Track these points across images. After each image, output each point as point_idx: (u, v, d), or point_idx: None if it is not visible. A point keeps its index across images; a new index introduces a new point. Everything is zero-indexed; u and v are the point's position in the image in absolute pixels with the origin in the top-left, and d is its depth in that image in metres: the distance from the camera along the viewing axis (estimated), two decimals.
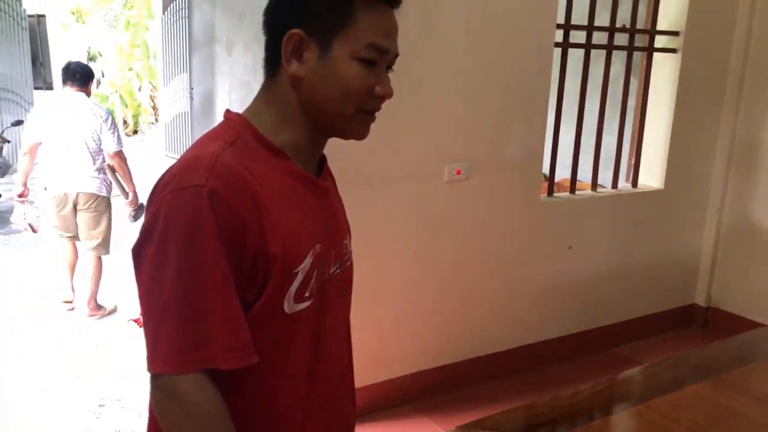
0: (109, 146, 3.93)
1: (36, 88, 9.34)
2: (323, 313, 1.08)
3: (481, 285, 3.18)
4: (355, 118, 1.03)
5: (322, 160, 1.14)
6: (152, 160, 10.27)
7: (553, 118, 3.29)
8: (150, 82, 13.07)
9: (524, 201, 3.22)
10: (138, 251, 0.94)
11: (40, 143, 3.93)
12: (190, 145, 1.06)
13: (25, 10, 9.08)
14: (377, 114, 1.06)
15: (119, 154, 4.00)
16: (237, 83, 8.71)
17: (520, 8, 2.97)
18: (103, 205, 4.00)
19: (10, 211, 6.79)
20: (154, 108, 12.87)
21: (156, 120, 12.57)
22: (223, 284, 0.91)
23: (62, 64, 4.07)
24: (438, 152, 2.91)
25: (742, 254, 3.85)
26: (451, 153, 2.95)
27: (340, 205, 1.20)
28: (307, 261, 1.01)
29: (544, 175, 4.71)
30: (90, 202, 3.94)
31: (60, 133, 3.84)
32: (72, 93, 3.89)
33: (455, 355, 3.19)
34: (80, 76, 3.90)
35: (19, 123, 7.40)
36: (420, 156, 2.87)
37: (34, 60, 9.26)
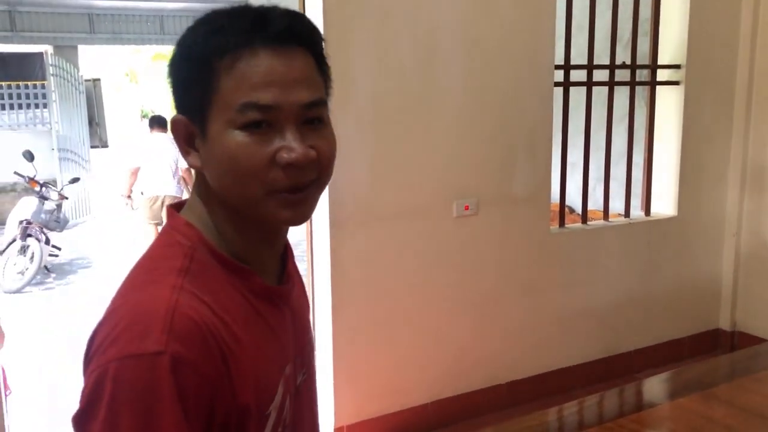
0: (183, 164, 5.82)
1: (92, 147, 9.93)
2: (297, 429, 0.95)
3: (495, 315, 3.32)
4: (267, 201, 0.81)
5: (285, 254, 0.96)
6: None
7: (561, 152, 3.47)
8: None
9: (534, 233, 3.37)
10: (80, 424, 0.75)
11: (139, 167, 5.88)
12: (132, 270, 0.84)
13: (81, 76, 9.76)
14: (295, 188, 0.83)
15: (189, 170, 5.88)
16: None
17: (519, 53, 3.18)
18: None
19: (70, 264, 7.26)
20: None
21: None
22: None
23: (148, 118, 5.61)
24: (446, 189, 3.10)
25: (764, 276, 3.88)
26: (459, 189, 3.14)
27: (303, 297, 1.03)
28: (279, 394, 0.86)
29: (570, 208, 4.86)
30: (172, 200, 5.97)
31: (153, 158, 5.83)
32: (158, 133, 6.03)
33: (474, 383, 3.32)
34: (162, 122, 6.08)
35: (75, 180, 7.87)
36: (429, 193, 3.07)
37: (91, 121, 9.89)
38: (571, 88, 3.46)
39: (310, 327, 1.03)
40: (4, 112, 11.51)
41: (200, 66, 0.80)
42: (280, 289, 0.91)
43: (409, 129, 2.98)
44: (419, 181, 3.04)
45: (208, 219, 0.86)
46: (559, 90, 3.40)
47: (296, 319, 0.97)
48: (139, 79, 14.65)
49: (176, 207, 0.90)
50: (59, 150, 8.88)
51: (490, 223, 3.22)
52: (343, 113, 2.83)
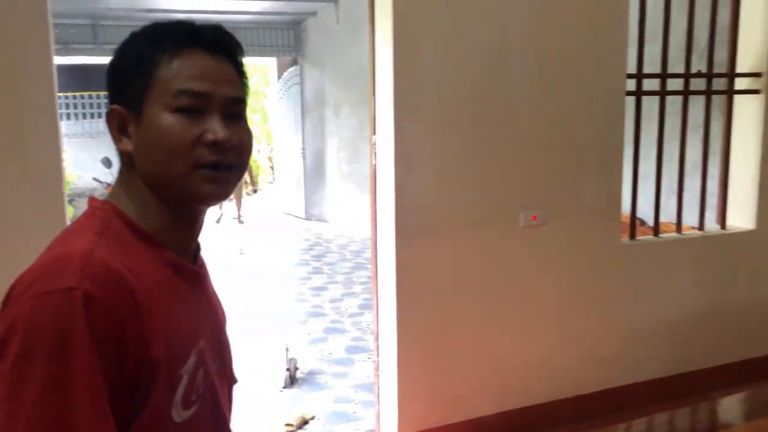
0: None
1: None
2: (213, 416, 1.00)
3: (562, 327, 3.27)
4: (192, 176, 0.91)
5: (197, 248, 1.05)
6: (270, 216, 10.92)
7: (633, 163, 3.39)
8: (268, 144, 14.01)
9: (604, 244, 3.30)
10: None
11: None
12: (53, 241, 0.91)
13: None
14: (226, 168, 0.94)
15: None
16: (344, 142, 9.26)
17: (590, 62, 3.13)
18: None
19: None
20: (272, 168, 13.74)
21: (273, 179, 13.38)
22: (96, 403, 0.78)
23: None
24: (513, 198, 3.08)
25: None
26: (527, 199, 3.11)
27: (215, 293, 1.12)
28: (191, 360, 0.92)
29: (641, 220, 4.73)
30: None
31: None
32: None
33: (539, 396, 3.27)
34: None
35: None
36: (495, 202, 3.05)
37: None
38: (644, 98, 3.39)
39: (225, 332, 1.11)
40: (85, 120, 12.09)
41: (143, 60, 0.92)
42: (192, 267, 0.99)
43: (477, 138, 2.98)
44: (486, 191, 3.03)
45: (129, 202, 0.94)
46: (631, 99, 3.33)
47: (211, 309, 1.05)
48: None
49: None
50: None
51: (558, 234, 3.18)
52: (411, 122, 2.85)
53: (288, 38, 10.55)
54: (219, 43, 0.95)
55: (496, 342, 3.15)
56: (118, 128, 0.94)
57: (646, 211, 3.87)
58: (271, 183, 13.85)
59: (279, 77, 11.12)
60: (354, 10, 8.15)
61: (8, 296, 0.82)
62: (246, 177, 10.99)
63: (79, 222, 0.93)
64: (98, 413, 0.78)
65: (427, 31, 2.83)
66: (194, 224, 1.00)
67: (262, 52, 10.56)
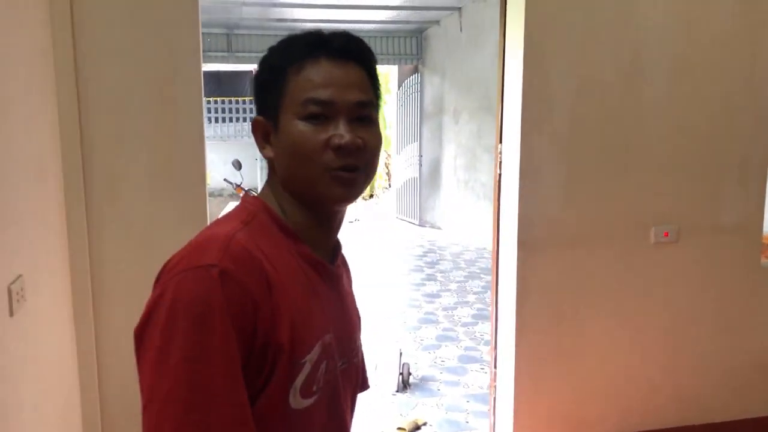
0: None
1: None
2: (331, 412, 1.04)
3: (692, 350, 3.10)
4: (323, 179, 0.97)
5: (337, 247, 1.10)
6: (384, 221, 11.08)
7: None
8: (385, 151, 14.22)
9: (742, 265, 3.10)
10: (140, 333, 0.88)
11: None
12: (206, 227, 1.02)
13: None
14: (359, 170, 0.99)
15: None
16: (462, 149, 9.24)
17: (733, 70, 2.96)
18: None
19: None
20: (388, 174, 13.93)
21: (389, 185, 13.55)
22: (230, 370, 0.85)
23: None
24: (644, 213, 2.96)
25: None
26: (659, 214, 2.97)
27: (353, 296, 1.16)
28: (316, 351, 0.96)
29: None
30: None
31: None
32: None
33: (666, 421, 3.11)
34: None
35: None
36: (625, 217, 2.94)
37: None
38: None
39: (357, 335, 1.14)
40: (217, 124, 12.78)
41: (276, 74, 1.00)
42: (328, 265, 1.04)
43: (607, 149, 2.89)
44: (615, 204, 2.93)
45: (274, 200, 1.02)
46: None
47: (343, 308, 1.09)
48: None
49: None
50: (262, 160, 9.64)
51: (692, 253, 3.02)
52: (539, 132, 2.81)
53: (410, 46, 10.67)
54: (344, 49, 0.99)
55: (619, 361, 3.03)
56: (262, 137, 1.03)
57: None
58: (386, 189, 14.04)
59: (399, 85, 11.27)
60: (477, 18, 8.11)
61: (161, 272, 0.93)
62: None
63: (230, 213, 1.02)
64: (233, 379, 0.86)
65: (559, 39, 2.78)
66: (331, 224, 1.06)
67: (385, 60, 10.74)
